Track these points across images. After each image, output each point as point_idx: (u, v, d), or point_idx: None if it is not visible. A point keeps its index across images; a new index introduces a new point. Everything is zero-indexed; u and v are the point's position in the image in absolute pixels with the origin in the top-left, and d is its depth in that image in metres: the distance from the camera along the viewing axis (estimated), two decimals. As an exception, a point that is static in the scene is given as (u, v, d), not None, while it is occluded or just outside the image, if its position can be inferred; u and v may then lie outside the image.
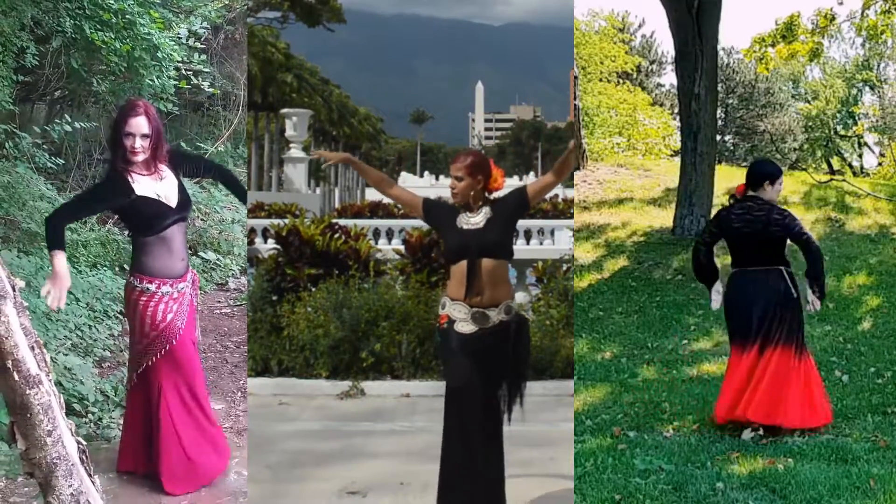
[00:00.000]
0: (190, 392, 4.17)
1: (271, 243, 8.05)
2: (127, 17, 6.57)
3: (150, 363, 4.08)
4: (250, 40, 20.44)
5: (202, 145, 9.96)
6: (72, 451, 3.18)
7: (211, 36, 9.38)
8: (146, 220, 4.04)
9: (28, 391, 3.04)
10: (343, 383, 6.09)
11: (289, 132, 21.44)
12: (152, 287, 4.04)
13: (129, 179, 4.02)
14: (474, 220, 3.59)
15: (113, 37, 6.56)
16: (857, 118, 26.95)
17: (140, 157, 4.04)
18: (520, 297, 7.32)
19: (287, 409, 5.71)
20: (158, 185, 4.08)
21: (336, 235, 7.29)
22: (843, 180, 13.45)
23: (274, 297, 6.78)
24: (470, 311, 3.53)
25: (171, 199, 4.09)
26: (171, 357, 4.09)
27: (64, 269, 3.93)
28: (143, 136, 4.02)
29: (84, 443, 3.28)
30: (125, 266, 6.86)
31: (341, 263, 6.97)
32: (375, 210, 18.42)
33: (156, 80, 6.91)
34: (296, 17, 24.51)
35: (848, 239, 10.08)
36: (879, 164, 26.37)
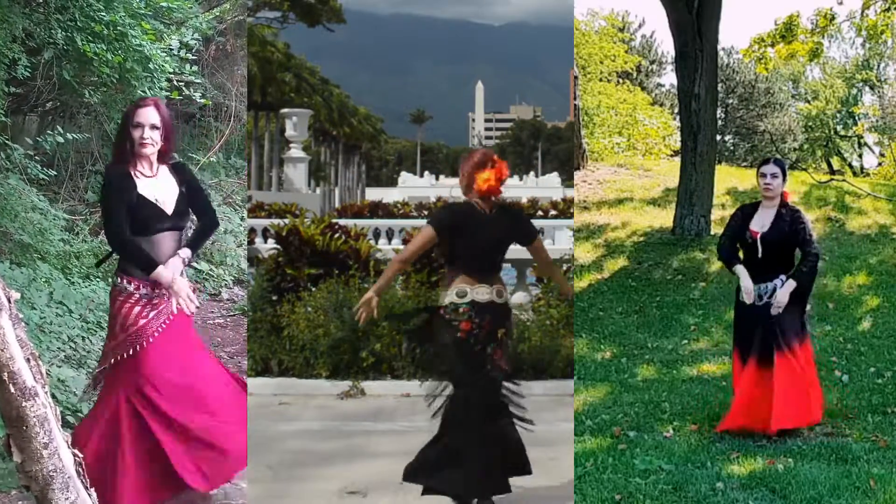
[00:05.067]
0: (148, 397, 3.93)
1: (271, 243, 8.05)
2: (118, 28, 6.57)
3: (111, 362, 3.94)
4: (250, 40, 20.43)
5: (194, 156, 9.99)
6: (68, 463, 3.16)
7: (202, 47, 9.39)
8: (138, 222, 3.94)
9: (24, 403, 3.02)
10: (343, 383, 6.09)
11: (289, 132, 21.46)
12: (130, 287, 3.94)
13: (133, 176, 3.97)
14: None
15: (105, 48, 6.56)
16: (857, 118, 26.95)
17: (149, 150, 3.96)
18: (520, 296, 7.32)
19: (287, 409, 5.71)
20: (158, 190, 4.01)
21: (336, 235, 7.29)
22: (843, 180, 13.45)
23: (274, 297, 6.78)
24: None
25: (168, 206, 4.01)
26: (136, 362, 3.92)
27: (173, 276, 3.95)
28: (153, 126, 3.96)
29: (80, 455, 3.25)
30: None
31: (341, 263, 6.97)
32: (375, 210, 18.45)
33: (147, 91, 6.91)
34: (296, 17, 24.51)
35: (848, 239, 10.07)
36: (879, 164, 26.36)
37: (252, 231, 10.25)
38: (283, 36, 24.70)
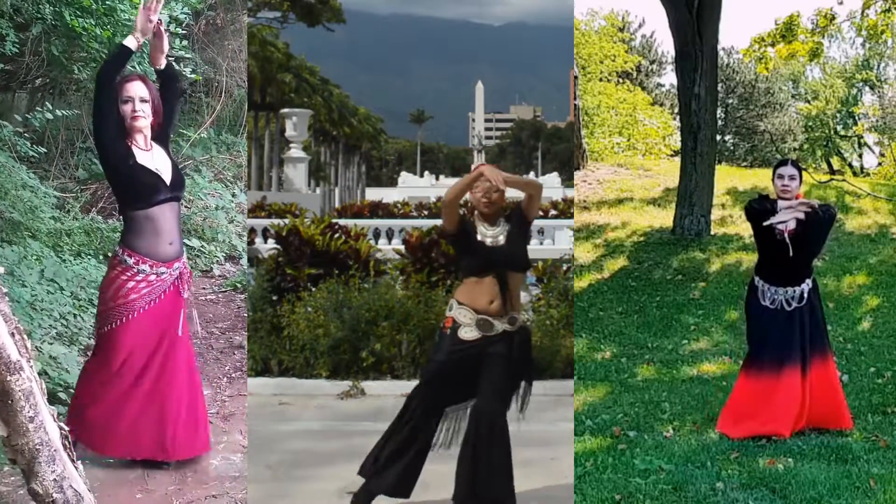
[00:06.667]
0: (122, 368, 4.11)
1: (271, 243, 8.06)
2: (107, 3, 6.52)
3: (106, 329, 4.08)
4: (250, 40, 20.42)
5: (185, 131, 9.95)
6: (54, 436, 3.18)
7: (192, 22, 9.32)
8: (139, 190, 4.02)
9: (9, 377, 3.04)
10: (343, 383, 6.10)
11: (289, 132, 21.43)
12: (130, 261, 4.04)
13: (129, 146, 4.04)
14: (495, 234, 3.67)
15: (93, 23, 6.52)
16: (857, 118, 26.97)
17: (141, 123, 4.04)
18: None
19: (287, 409, 5.72)
20: (154, 161, 4.10)
21: (336, 235, 7.30)
22: (843, 180, 13.45)
23: (274, 297, 6.79)
24: (475, 316, 3.59)
25: (166, 176, 4.10)
26: (119, 332, 4.06)
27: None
28: (143, 100, 4.04)
29: (66, 428, 3.28)
30: (109, 255, 6.88)
31: (341, 263, 6.98)
32: (375, 210, 18.41)
33: (137, 66, 6.86)
34: (296, 17, 24.48)
35: (848, 239, 10.07)
36: (879, 164, 26.38)
37: (252, 231, 10.25)
38: (283, 36, 24.66)
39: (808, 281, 4.82)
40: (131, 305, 4.05)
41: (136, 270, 4.04)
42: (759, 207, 4.78)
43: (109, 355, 4.10)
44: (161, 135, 4.22)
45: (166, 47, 4.21)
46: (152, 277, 4.08)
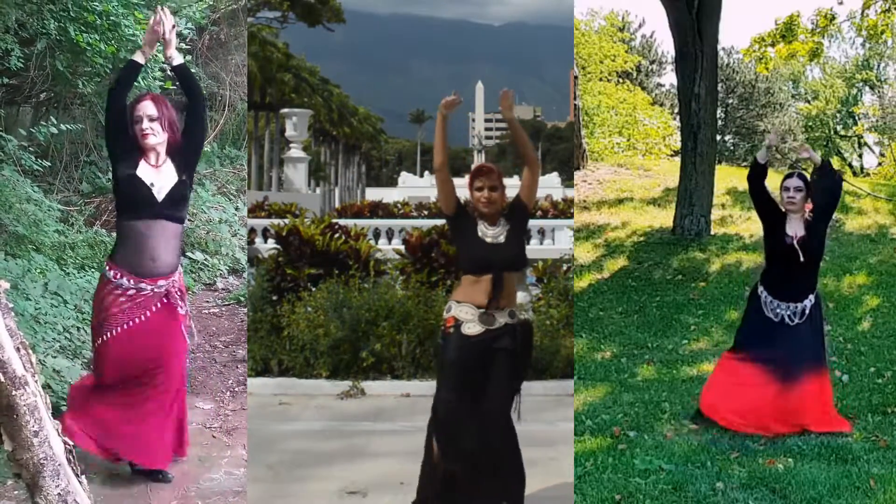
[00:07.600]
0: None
1: (271, 243, 8.06)
2: (111, 18, 6.57)
3: (97, 343, 4.11)
4: (250, 40, 20.43)
5: None
6: (59, 451, 3.18)
7: (196, 37, 9.38)
8: (128, 202, 4.07)
9: (14, 392, 3.04)
10: (343, 383, 6.09)
11: (289, 132, 21.44)
12: (109, 274, 4.07)
13: (137, 157, 4.07)
14: (495, 234, 3.64)
15: (98, 38, 6.57)
16: (857, 118, 26.99)
17: (151, 140, 4.05)
18: (520, 297, 7.31)
19: (287, 409, 5.71)
20: (157, 177, 4.09)
21: (336, 235, 7.30)
22: (843, 180, 13.44)
23: (274, 297, 6.79)
24: (477, 311, 3.57)
25: (160, 192, 4.07)
26: (103, 350, 4.09)
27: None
28: (151, 118, 4.05)
29: (70, 443, 3.27)
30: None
31: (341, 263, 6.98)
32: (375, 210, 18.40)
33: (141, 81, 6.89)
34: (296, 17, 24.48)
35: (848, 239, 10.08)
36: (879, 164, 26.40)
37: (252, 231, 10.25)
38: (283, 36, 24.67)
39: (812, 297, 4.80)
40: (115, 319, 4.06)
41: (115, 284, 4.06)
42: (757, 169, 4.83)
43: (101, 369, 4.15)
44: (178, 149, 4.19)
45: (174, 41, 4.22)
46: (132, 292, 4.06)
